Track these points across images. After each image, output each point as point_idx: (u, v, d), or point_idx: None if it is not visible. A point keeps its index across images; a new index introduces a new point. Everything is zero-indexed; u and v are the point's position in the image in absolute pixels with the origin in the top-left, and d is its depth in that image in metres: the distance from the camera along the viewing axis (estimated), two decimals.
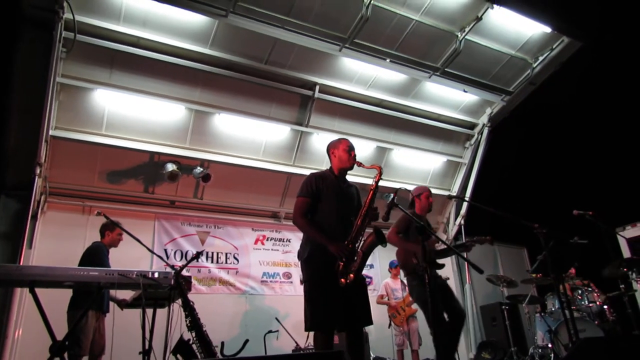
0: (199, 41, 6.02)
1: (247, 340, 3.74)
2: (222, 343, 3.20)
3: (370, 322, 3.16)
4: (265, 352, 5.66)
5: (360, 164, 3.42)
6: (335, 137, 7.06)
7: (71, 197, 6.23)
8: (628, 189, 8.78)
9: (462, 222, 8.56)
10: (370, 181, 3.39)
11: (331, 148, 3.54)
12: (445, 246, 5.15)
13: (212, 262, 6.86)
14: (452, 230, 8.76)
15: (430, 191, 4.57)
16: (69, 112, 5.85)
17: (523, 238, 9.42)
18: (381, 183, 8.01)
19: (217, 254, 6.96)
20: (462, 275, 8.69)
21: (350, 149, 3.48)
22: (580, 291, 6.09)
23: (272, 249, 7.45)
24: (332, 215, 3.25)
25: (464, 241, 4.56)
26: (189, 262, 3.43)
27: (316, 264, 3.13)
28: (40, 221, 5.91)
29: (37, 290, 3.28)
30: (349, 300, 3.06)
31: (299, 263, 3.27)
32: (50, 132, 5.62)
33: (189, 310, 3.16)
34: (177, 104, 6.31)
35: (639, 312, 6.66)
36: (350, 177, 3.65)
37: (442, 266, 4.18)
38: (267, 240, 7.47)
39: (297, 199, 3.31)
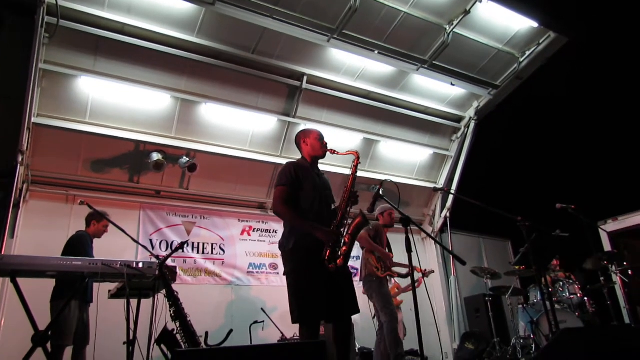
0: (186, 29, 5.94)
1: (231, 330, 3.74)
2: (206, 333, 3.19)
3: (358, 311, 3.17)
4: (251, 343, 5.67)
5: (334, 152, 3.44)
6: (322, 128, 7.09)
7: (54, 185, 6.11)
8: (611, 183, 8.93)
9: (448, 214, 8.64)
10: (344, 171, 3.40)
11: (302, 137, 3.53)
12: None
13: (198, 252, 6.82)
14: (438, 222, 8.85)
15: (393, 209, 4.97)
16: (51, 99, 5.73)
17: (507, 230, 9.55)
18: (368, 175, 8.10)
19: (203, 244, 6.92)
20: (447, 267, 8.79)
21: (322, 137, 3.49)
22: (561, 283, 6.20)
23: (258, 240, 7.42)
24: (313, 203, 3.22)
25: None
26: (173, 252, 3.41)
27: (302, 254, 3.09)
28: (23, 210, 5.79)
29: (21, 280, 3.24)
30: (336, 289, 3.05)
31: (281, 254, 3.24)
32: (33, 120, 5.50)
33: (173, 300, 3.15)
34: (163, 92, 6.23)
35: (618, 304, 6.82)
36: (330, 168, 3.65)
37: (395, 275, 5.18)
38: (254, 231, 7.44)
39: (277, 188, 3.27)
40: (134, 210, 6.56)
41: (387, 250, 5.15)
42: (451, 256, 8.46)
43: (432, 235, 8.88)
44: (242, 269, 7.09)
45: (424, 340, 2.79)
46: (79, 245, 4.50)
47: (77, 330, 4.32)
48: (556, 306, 6.04)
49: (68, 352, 4.36)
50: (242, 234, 7.33)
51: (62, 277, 3.76)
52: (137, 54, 5.90)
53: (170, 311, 3.14)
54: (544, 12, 6.51)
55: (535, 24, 6.74)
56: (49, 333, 3.17)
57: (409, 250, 2.83)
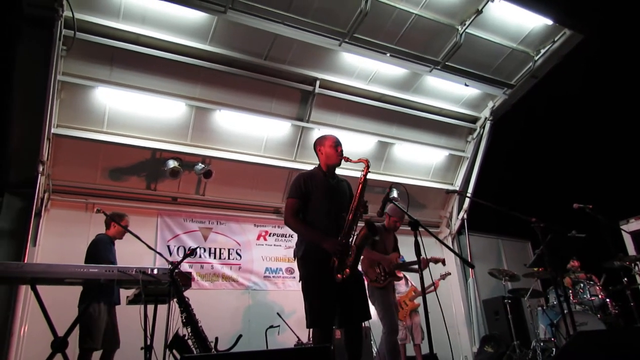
0: (199, 37, 6.03)
1: (240, 336, 3.79)
2: (216, 338, 3.23)
3: (369, 317, 3.18)
4: (267, 347, 5.69)
5: (347, 159, 3.39)
6: (336, 132, 7.09)
7: (74, 194, 6.25)
8: (633, 181, 8.73)
9: (465, 216, 8.55)
10: (359, 174, 3.36)
11: (317, 145, 3.51)
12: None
13: (214, 258, 6.89)
14: (455, 224, 8.76)
15: (400, 219, 4.85)
16: (70, 110, 5.88)
17: (527, 231, 9.39)
18: (384, 178, 8.06)
19: (220, 249, 7.00)
20: (465, 269, 8.68)
21: (337, 144, 3.44)
22: (582, 284, 6.08)
23: (274, 245, 7.46)
24: (322, 213, 3.23)
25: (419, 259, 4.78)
26: (183, 258, 3.46)
27: (312, 262, 3.14)
28: (44, 219, 5.95)
29: (45, 287, 3.32)
30: (346, 296, 3.06)
31: (292, 259, 3.29)
32: (52, 130, 5.65)
33: (184, 306, 3.20)
34: (178, 100, 6.34)
35: None
36: (342, 171, 3.62)
37: (400, 278, 4.89)
38: (270, 235, 7.49)
39: (287, 200, 3.31)
40: (151, 217, 6.67)
41: (393, 251, 5.01)
42: (469, 258, 8.38)
43: (450, 236, 8.82)
44: (258, 273, 7.14)
45: (443, 344, 2.77)
46: (96, 249, 4.57)
47: (106, 333, 4.36)
48: (577, 308, 5.93)
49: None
50: (258, 238, 7.38)
51: (80, 284, 3.84)
52: (151, 64, 6.01)
53: (181, 317, 3.19)
54: (558, 9, 6.41)
55: (549, 22, 6.64)
56: (67, 339, 3.22)
57: (417, 254, 2.81)
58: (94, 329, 4.23)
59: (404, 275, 6.87)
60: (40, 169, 5.50)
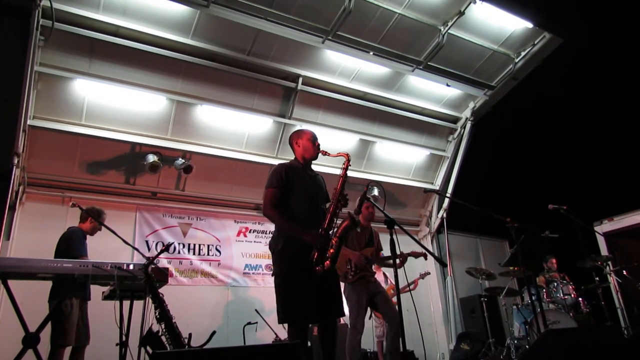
0: (180, 31, 5.96)
1: (214, 332, 3.77)
2: (190, 335, 3.21)
3: (342, 314, 3.19)
4: (244, 344, 5.68)
5: (325, 153, 3.39)
6: (318, 129, 7.11)
7: (50, 187, 6.13)
8: (607, 183, 8.94)
9: (445, 215, 8.65)
10: (338, 171, 3.36)
11: (295, 138, 3.51)
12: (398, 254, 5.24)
13: (193, 253, 6.85)
14: (435, 223, 8.86)
15: (370, 202, 4.82)
16: (47, 101, 5.76)
17: (504, 231, 9.53)
18: (365, 176, 8.10)
19: (199, 245, 6.95)
20: (443, 268, 8.78)
21: (315, 138, 3.45)
22: (555, 284, 6.21)
23: (254, 241, 7.44)
24: (303, 205, 3.22)
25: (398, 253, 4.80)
26: (157, 254, 3.43)
27: (291, 256, 3.10)
28: (19, 212, 5.83)
29: (19, 280, 3.26)
30: (321, 292, 3.06)
31: (271, 255, 3.26)
32: (29, 122, 5.53)
33: (158, 302, 3.17)
34: (159, 94, 6.26)
35: (613, 304, 6.83)
36: (322, 169, 3.63)
37: (373, 273, 4.81)
38: (250, 232, 7.46)
39: (267, 190, 3.26)
40: (130, 212, 6.59)
41: (367, 246, 5.00)
42: (447, 256, 8.50)
43: (430, 235, 8.93)
44: (238, 270, 7.11)
45: (419, 341, 2.79)
46: (70, 242, 4.46)
47: (77, 329, 4.30)
48: (551, 306, 6.06)
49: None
50: (238, 235, 7.35)
51: (53, 279, 3.78)
52: (132, 56, 5.92)
53: (155, 313, 3.17)
54: (538, 12, 6.52)
55: (530, 25, 6.74)
56: (39, 334, 3.17)
57: (393, 253, 2.83)
58: (67, 325, 4.16)
59: (384, 273, 6.92)
60: (15, 161, 5.38)
